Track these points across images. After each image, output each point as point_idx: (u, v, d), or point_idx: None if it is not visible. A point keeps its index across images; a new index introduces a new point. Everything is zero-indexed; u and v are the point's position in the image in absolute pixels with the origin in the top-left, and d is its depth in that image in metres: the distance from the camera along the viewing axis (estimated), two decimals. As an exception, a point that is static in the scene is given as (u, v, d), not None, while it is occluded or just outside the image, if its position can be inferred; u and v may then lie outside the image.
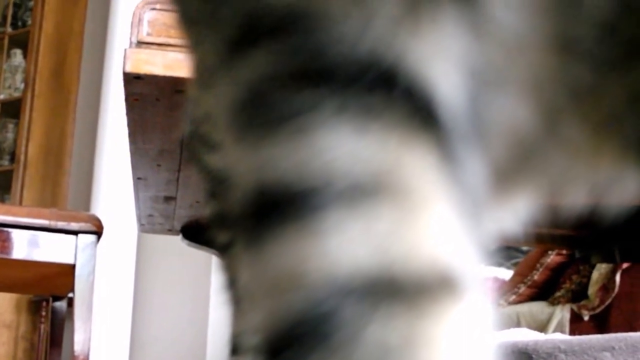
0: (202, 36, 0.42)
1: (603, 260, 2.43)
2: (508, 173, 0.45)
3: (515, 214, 0.51)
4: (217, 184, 0.50)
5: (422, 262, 0.35)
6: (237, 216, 0.38)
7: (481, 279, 0.37)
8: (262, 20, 0.38)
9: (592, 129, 0.44)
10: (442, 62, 0.38)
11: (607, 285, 2.66)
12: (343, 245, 0.35)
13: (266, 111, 0.37)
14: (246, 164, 0.37)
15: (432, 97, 0.37)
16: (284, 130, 0.36)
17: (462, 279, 0.35)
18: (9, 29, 4.46)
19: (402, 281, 0.34)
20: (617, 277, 2.61)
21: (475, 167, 0.38)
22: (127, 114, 1.27)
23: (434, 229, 0.35)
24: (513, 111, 0.42)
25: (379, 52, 0.36)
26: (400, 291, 0.34)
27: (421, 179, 0.36)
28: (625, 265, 2.58)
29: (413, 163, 0.36)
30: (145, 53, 1.12)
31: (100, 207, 3.43)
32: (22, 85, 4.30)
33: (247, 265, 0.37)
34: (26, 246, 1.91)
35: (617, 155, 0.45)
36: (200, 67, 0.43)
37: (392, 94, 0.36)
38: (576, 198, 0.49)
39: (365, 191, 0.35)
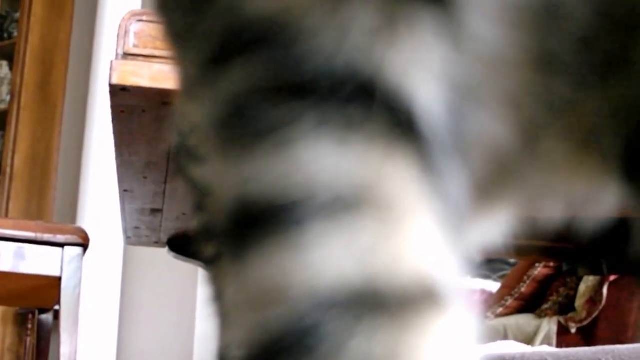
0: (185, 49, 0.42)
1: (590, 273, 2.43)
2: (488, 186, 0.45)
3: (497, 226, 0.51)
4: (202, 197, 0.50)
5: (405, 274, 0.35)
6: (221, 229, 0.38)
7: (464, 291, 0.37)
8: (241, 33, 0.38)
9: (570, 144, 0.44)
10: (421, 73, 0.38)
11: (594, 297, 2.67)
12: (326, 259, 0.35)
13: (247, 125, 0.37)
14: (228, 177, 0.37)
15: (412, 109, 0.37)
16: (265, 144, 0.36)
17: (445, 291, 0.35)
18: (-6, 41, 4.47)
19: (385, 294, 0.34)
20: (605, 290, 2.61)
21: (457, 179, 0.38)
22: (114, 126, 1.27)
23: (416, 242, 0.36)
24: (491, 125, 0.42)
25: (357, 64, 0.36)
26: (384, 304, 0.34)
27: (403, 192, 0.36)
28: (612, 277, 2.59)
29: (394, 175, 0.36)
30: (131, 65, 1.11)
31: (87, 220, 3.42)
32: (8, 97, 4.30)
33: (230, 279, 0.37)
34: (12, 258, 1.91)
35: (596, 170, 0.45)
36: (185, 80, 0.43)
37: (372, 105, 0.36)
38: (556, 212, 0.49)
39: (347, 204, 0.35)
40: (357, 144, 0.36)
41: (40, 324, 2.35)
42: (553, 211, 0.49)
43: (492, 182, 0.45)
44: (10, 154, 4.16)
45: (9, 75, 4.35)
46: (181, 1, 0.42)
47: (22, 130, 4.17)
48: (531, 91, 0.42)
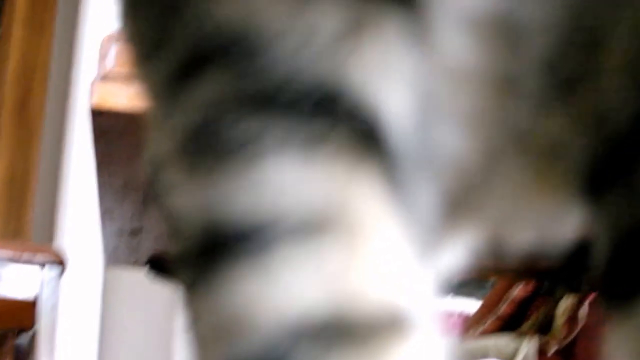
0: (150, 66, 0.41)
1: (569, 291, 2.45)
2: (453, 205, 0.44)
3: (465, 247, 0.50)
4: (174, 224, 0.48)
5: (371, 301, 0.34)
6: (189, 256, 0.37)
7: (434, 314, 0.36)
8: (207, 45, 0.37)
9: (534, 164, 0.44)
10: (387, 81, 0.37)
11: (573, 316, 2.67)
12: (293, 286, 0.34)
13: (213, 144, 0.36)
14: (195, 202, 0.36)
15: (377, 121, 0.36)
16: (230, 164, 0.35)
17: (412, 316, 0.35)
18: (-27, 62, 4.44)
19: (352, 322, 0.34)
20: (584, 308, 2.62)
21: (424, 194, 0.38)
22: (93, 147, 1.26)
23: (382, 266, 0.35)
24: (455, 141, 0.41)
25: (321, 73, 0.36)
26: (351, 332, 0.34)
27: (368, 212, 0.35)
28: (592, 296, 2.60)
29: (359, 194, 0.35)
30: (111, 86, 1.12)
31: (65, 240, 3.40)
32: None
33: (199, 307, 0.36)
34: None
35: (560, 190, 0.45)
36: (150, 99, 0.42)
37: (336, 118, 0.35)
38: (522, 233, 0.49)
39: (313, 227, 0.34)
40: (321, 161, 0.35)
41: (17, 347, 2.33)
42: (518, 233, 0.49)
43: (457, 201, 0.44)
44: (-12, 175, 4.14)
45: (-13, 96, 4.34)
46: (147, 16, 0.41)
47: (0, 151, 4.15)
48: (494, 109, 0.41)
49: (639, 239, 0.40)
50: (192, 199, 0.36)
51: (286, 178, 0.35)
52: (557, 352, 2.68)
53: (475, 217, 0.47)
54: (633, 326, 0.40)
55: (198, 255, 0.36)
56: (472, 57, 0.39)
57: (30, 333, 2.18)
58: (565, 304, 2.73)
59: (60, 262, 1.97)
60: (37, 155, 4.21)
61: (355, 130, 0.35)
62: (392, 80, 0.37)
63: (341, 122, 0.35)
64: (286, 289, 0.34)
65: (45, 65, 4.28)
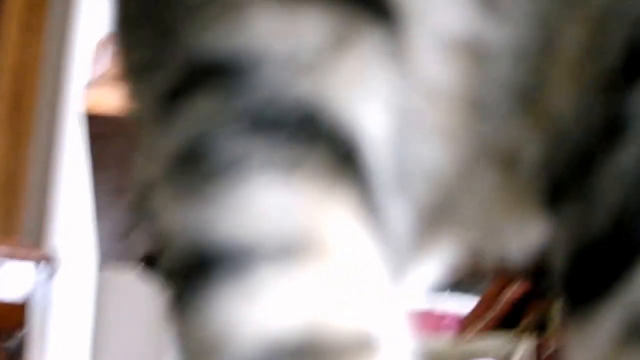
0: (142, 85, 0.42)
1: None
2: (431, 217, 0.46)
3: (445, 256, 0.52)
4: (162, 242, 0.50)
5: (341, 325, 0.36)
6: (174, 273, 0.38)
7: (406, 333, 0.38)
8: (199, 66, 0.38)
9: (501, 178, 0.45)
10: (367, 102, 0.39)
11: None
12: (269, 308, 0.36)
13: (197, 167, 0.37)
14: (180, 222, 0.38)
15: (356, 141, 0.38)
16: (213, 188, 0.37)
17: (381, 339, 0.36)
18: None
19: (323, 345, 0.35)
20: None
21: (401, 210, 0.40)
22: (86, 149, 1.27)
23: (354, 289, 0.37)
24: (432, 157, 0.43)
25: (302, 95, 0.37)
26: (324, 354, 0.35)
27: (343, 234, 0.37)
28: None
29: (335, 217, 0.37)
30: (103, 90, 1.12)
31: (58, 241, 3.40)
32: None
33: (182, 321, 0.38)
34: None
35: (524, 203, 0.46)
36: (140, 119, 0.43)
37: (315, 139, 0.37)
38: (494, 241, 0.51)
39: (289, 251, 0.36)
40: (299, 184, 0.37)
41: (8, 350, 2.34)
42: (491, 240, 0.51)
43: (434, 213, 0.46)
44: (-21, 174, 4.17)
45: (-21, 95, 4.37)
46: (140, 36, 0.42)
47: None
48: (466, 125, 0.43)
49: (592, 251, 0.42)
50: (179, 220, 0.38)
51: (266, 202, 0.36)
52: (554, 353, 2.68)
53: (450, 228, 0.49)
54: (590, 332, 0.41)
55: (184, 274, 0.38)
56: (446, 75, 0.42)
57: (20, 335, 2.19)
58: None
59: (52, 263, 1.98)
60: (30, 156, 4.24)
61: (333, 152, 0.37)
62: (370, 99, 0.39)
63: (320, 143, 0.37)
64: (262, 311, 0.36)
65: (38, 67, 4.31)
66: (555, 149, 0.44)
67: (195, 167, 0.37)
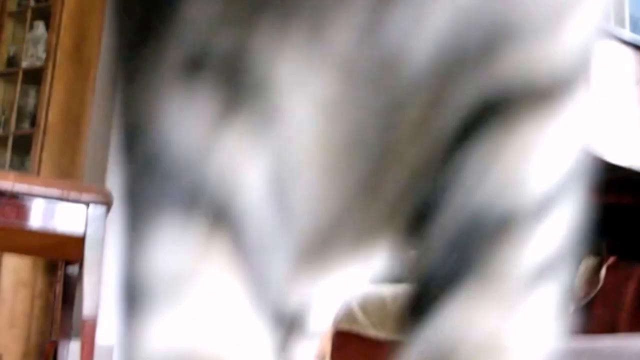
0: None
1: (590, 254, 2.46)
2: (311, 250, 0.53)
3: (331, 280, 0.58)
4: None
5: (208, 350, 0.42)
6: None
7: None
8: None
9: (372, 217, 0.51)
10: (244, 165, 0.43)
11: (592, 278, 2.68)
12: (154, 335, 0.43)
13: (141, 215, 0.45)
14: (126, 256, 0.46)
15: (231, 200, 0.43)
16: (144, 235, 0.44)
17: None
18: (32, 2, 4.46)
19: None
20: (603, 271, 2.63)
21: (279, 248, 0.45)
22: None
23: (219, 324, 0.42)
24: (309, 199, 0.49)
25: (193, 170, 0.43)
26: None
27: (216, 274, 0.43)
28: (611, 259, 2.61)
29: (210, 260, 0.43)
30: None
31: (114, 182, 3.44)
32: (44, 55, 4.30)
33: None
34: (40, 215, 1.96)
35: (392, 239, 0.53)
36: None
37: (201, 204, 0.43)
38: (364, 264, 0.57)
39: (175, 289, 0.43)
40: (188, 238, 0.43)
41: (67, 275, 2.41)
42: (363, 264, 0.57)
43: (315, 246, 0.52)
44: (44, 107, 4.17)
45: (45, 35, 4.35)
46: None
47: (56, 87, 4.15)
48: (341, 169, 0.48)
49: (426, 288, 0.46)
50: (126, 254, 0.46)
51: (164, 252, 0.43)
52: (574, 311, 2.69)
53: (329, 257, 0.55)
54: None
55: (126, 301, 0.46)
56: (318, 129, 0.46)
57: (77, 265, 2.26)
58: (584, 265, 2.73)
59: (106, 201, 2.02)
60: (92, 93, 4.20)
61: (213, 211, 0.43)
62: (247, 162, 0.44)
63: (205, 206, 0.43)
64: (150, 335, 0.43)
65: (101, 8, 4.23)
66: (409, 188, 0.48)
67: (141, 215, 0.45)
